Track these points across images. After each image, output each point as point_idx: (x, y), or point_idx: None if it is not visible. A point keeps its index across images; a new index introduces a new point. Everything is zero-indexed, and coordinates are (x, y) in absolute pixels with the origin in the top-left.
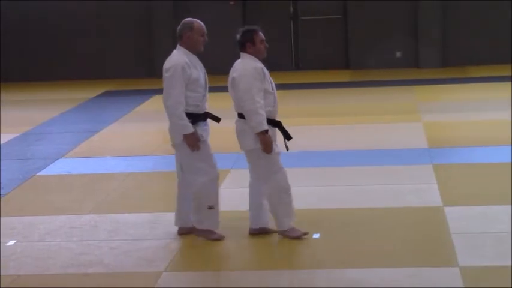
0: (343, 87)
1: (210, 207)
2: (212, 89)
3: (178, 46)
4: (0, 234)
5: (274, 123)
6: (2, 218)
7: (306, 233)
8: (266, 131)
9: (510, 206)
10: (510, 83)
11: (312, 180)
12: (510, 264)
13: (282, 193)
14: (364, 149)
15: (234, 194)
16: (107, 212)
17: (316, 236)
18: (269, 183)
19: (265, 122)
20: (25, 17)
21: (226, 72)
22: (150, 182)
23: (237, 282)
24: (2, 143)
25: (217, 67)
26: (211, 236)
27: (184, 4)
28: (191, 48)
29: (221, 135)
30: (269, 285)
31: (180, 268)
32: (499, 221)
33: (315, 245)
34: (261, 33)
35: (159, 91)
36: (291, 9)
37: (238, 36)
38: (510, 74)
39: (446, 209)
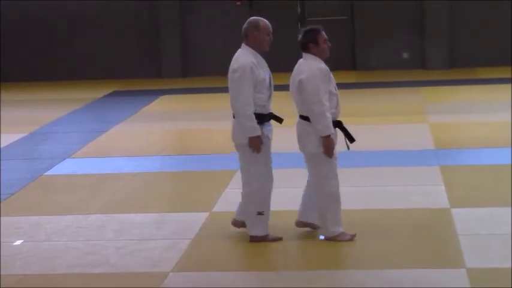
0: (350, 88)
1: (260, 213)
2: (215, 90)
3: (243, 45)
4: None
5: (335, 123)
6: (8, 218)
7: (354, 234)
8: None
9: None
10: None
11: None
12: None
13: (333, 201)
14: (370, 150)
15: (240, 195)
16: (114, 212)
17: (322, 237)
18: (322, 189)
19: (331, 125)
20: (29, 17)
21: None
22: (157, 182)
23: (243, 283)
24: (9, 142)
25: (223, 67)
26: (266, 239)
27: (190, 4)
28: (257, 47)
29: (228, 135)
30: (274, 285)
31: (187, 268)
32: (506, 223)
33: (320, 246)
34: (323, 33)
35: (167, 91)
36: (299, 9)
37: (299, 37)
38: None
39: (453, 211)
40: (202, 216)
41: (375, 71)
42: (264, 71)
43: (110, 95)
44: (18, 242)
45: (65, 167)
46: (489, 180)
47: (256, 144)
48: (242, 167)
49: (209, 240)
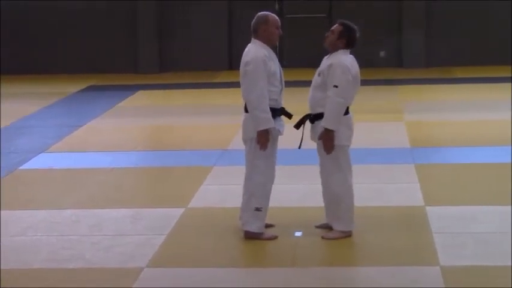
0: None
1: (258, 209)
2: (192, 86)
3: (253, 40)
4: None
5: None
6: None
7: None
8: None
9: (491, 206)
10: (493, 84)
11: (295, 178)
12: (491, 264)
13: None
14: None
15: (216, 191)
16: (89, 207)
17: (298, 234)
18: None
19: None
20: (9, 11)
21: (207, 68)
22: (133, 177)
23: (217, 279)
24: None
25: (200, 62)
26: (261, 237)
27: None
28: (267, 41)
29: (205, 131)
30: (247, 281)
31: (162, 264)
32: (480, 221)
33: (297, 243)
34: (332, 28)
35: (143, 87)
36: (277, 6)
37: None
38: (493, 76)
39: (428, 209)
40: (178, 212)
41: None
42: (275, 64)
43: (86, 89)
44: None
45: (40, 162)
46: (464, 178)
47: (264, 140)
48: (247, 161)
49: (184, 236)
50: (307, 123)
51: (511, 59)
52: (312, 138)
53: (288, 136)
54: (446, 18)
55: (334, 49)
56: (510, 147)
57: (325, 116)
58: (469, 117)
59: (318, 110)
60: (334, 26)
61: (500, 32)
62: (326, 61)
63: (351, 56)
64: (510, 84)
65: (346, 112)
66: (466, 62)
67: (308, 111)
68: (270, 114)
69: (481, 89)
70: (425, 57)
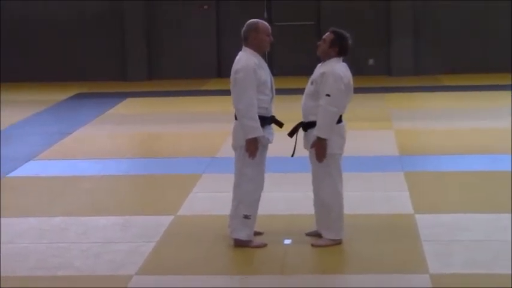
0: None
1: (246, 217)
2: (181, 93)
3: (243, 47)
4: None
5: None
6: None
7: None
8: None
9: (480, 214)
10: (480, 92)
11: (285, 186)
12: (480, 272)
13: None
14: None
15: (205, 199)
16: (78, 215)
17: (287, 241)
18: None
19: None
20: None
21: (196, 76)
22: (122, 185)
23: (207, 286)
24: None
25: (188, 70)
26: (250, 245)
27: (156, 7)
28: (257, 48)
29: (194, 139)
30: None
31: (151, 271)
32: (469, 229)
33: (286, 251)
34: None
35: (132, 94)
36: (265, 14)
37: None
38: (480, 84)
39: (417, 217)
40: (167, 220)
41: None
42: (265, 73)
43: (74, 97)
44: None
45: (29, 169)
46: (453, 186)
47: (253, 148)
48: (236, 169)
49: (173, 243)
50: (300, 131)
51: (502, 67)
52: (305, 146)
53: (281, 144)
54: (434, 27)
55: (326, 57)
56: (498, 155)
57: (317, 124)
58: (458, 125)
59: (311, 118)
60: (326, 34)
61: (487, 40)
62: (319, 69)
63: (344, 64)
64: (497, 92)
65: (339, 120)
66: (453, 70)
67: (300, 119)
68: (258, 123)
69: (469, 97)
70: (413, 65)
